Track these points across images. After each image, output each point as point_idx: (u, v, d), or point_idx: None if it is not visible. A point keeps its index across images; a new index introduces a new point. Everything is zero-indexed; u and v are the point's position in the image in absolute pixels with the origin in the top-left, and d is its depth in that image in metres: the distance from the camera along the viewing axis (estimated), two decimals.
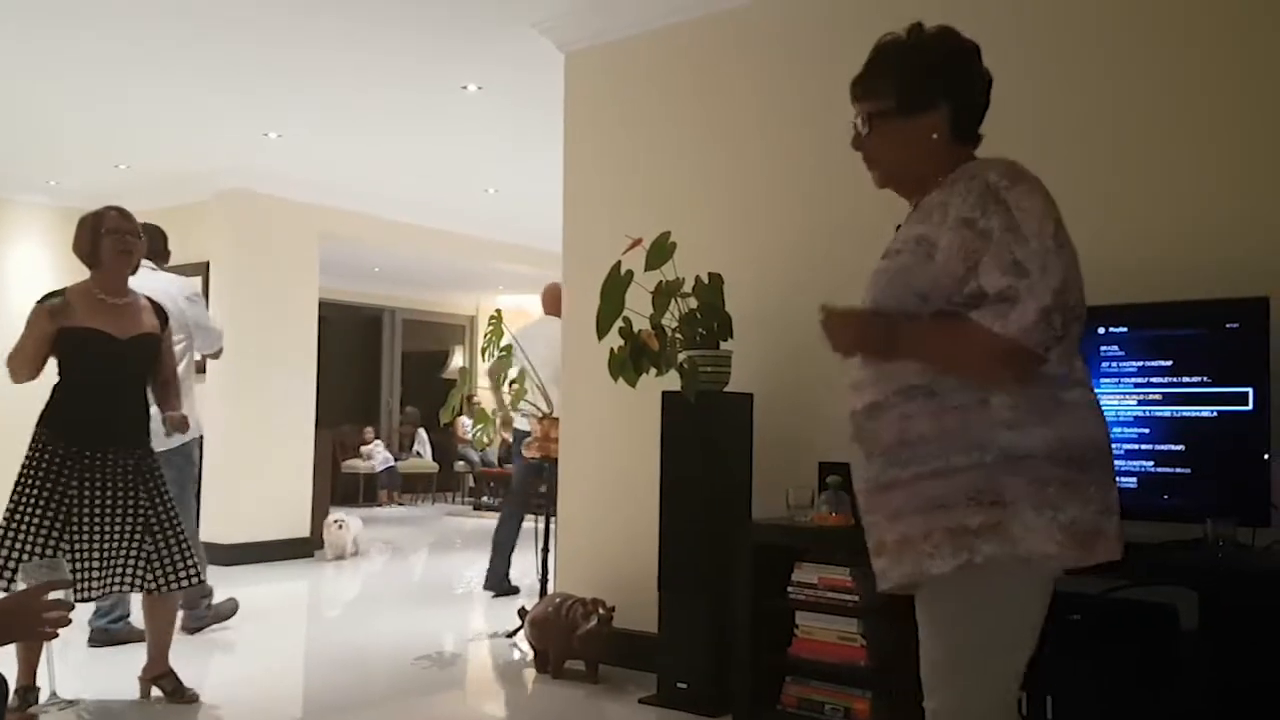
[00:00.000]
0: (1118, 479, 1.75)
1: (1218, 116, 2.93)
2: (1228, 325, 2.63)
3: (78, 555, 3.32)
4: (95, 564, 3.35)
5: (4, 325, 7.31)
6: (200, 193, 7.16)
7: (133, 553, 3.42)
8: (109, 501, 3.38)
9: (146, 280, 4.50)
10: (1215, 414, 2.62)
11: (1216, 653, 2.38)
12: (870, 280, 1.82)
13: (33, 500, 3.30)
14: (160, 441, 3.95)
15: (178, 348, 4.04)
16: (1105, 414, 1.74)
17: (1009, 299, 1.63)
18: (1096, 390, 1.76)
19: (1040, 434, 1.64)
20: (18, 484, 3.32)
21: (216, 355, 5.10)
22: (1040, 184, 1.70)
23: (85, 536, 3.33)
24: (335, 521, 7.14)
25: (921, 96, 1.80)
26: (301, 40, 4.65)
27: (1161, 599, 2.50)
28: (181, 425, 3.56)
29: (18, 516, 3.29)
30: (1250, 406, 2.56)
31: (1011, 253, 1.64)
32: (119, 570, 3.40)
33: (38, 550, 3.25)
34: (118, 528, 3.39)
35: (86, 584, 3.33)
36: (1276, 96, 2.85)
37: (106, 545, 3.37)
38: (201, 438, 4.67)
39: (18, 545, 3.25)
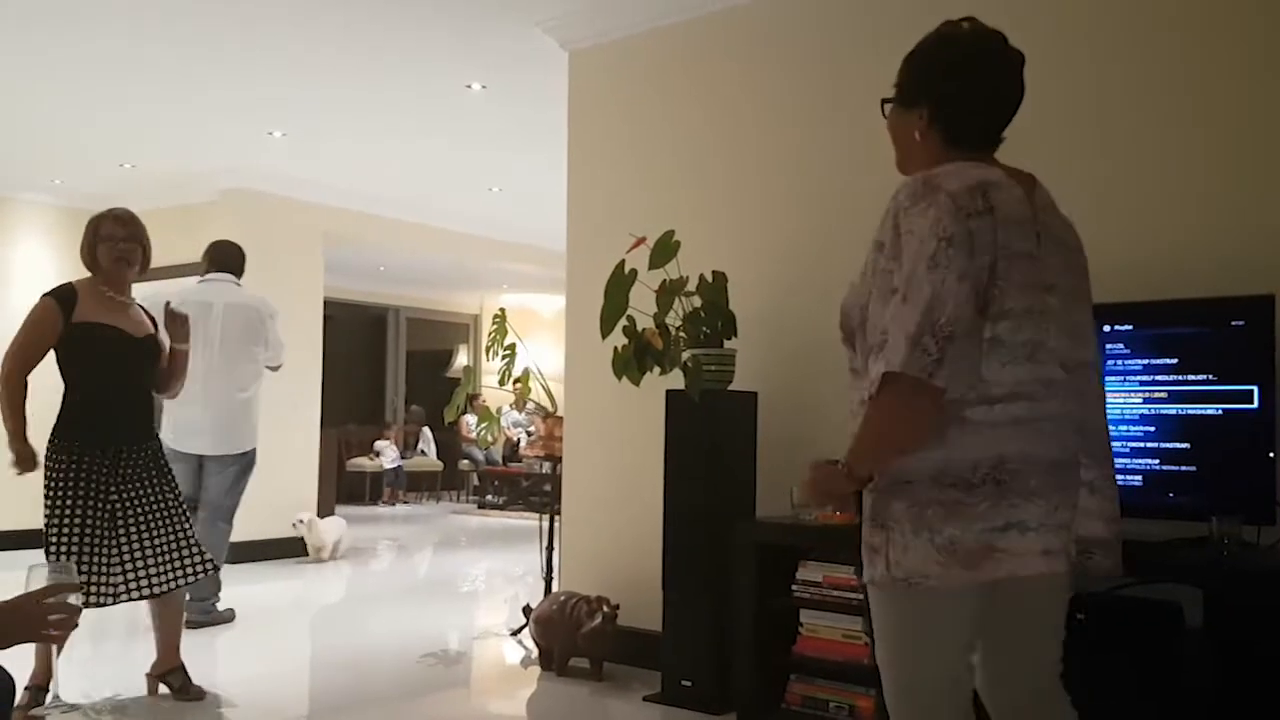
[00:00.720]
0: (1072, 487, 1.73)
1: (1224, 113, 2.93)
2: (1233, 323, 2.63)
3: (106, 558, 3.31)
4: (129, 566, 3.35)
5: (6, 324, 7.37)
6: (205, 192, 7.17)
7: (150, 550, 3.42)
8: (146, 499, 3.41)
9: (232, 295, 4.92)
10: (1220, 412, 2.61)
11: (1221, 651, 2.38)
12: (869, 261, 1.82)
13: (58, 510, 3.28)
14: (229, 445, 4.67)
15: (253, 365, 4.55)
16: (1036, 428, 1.67)
17: (886, 334, 1.65)
18: (1032, 401, 1.68)
19: (929, 458, 1.65)
20: (54, 495, 3.30)
21: (277, 368, 5.28)
22: (943, 202, 1.63)
23: (125, 538, 3.34)
24: (299, 521, 6.74)
25: (908, 93, 1.81)
26: (305, 39, 4.65)
27: (1166, 597, 2.50)
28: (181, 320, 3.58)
29: (62, 531, 3.27)
30: (1255, 405, 2.56)
31: (891, 281, 1.67)
32: (146, 571, 3.40)
33: (64, 554, 3.25)
34: (151, 525, 3.41)
35: (113, 586, 3.32)
36: None
37: (136, 545, 3.38)
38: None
39: (60, 550, 3.25)
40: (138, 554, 3.36)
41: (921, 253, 1.62)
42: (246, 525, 6.74)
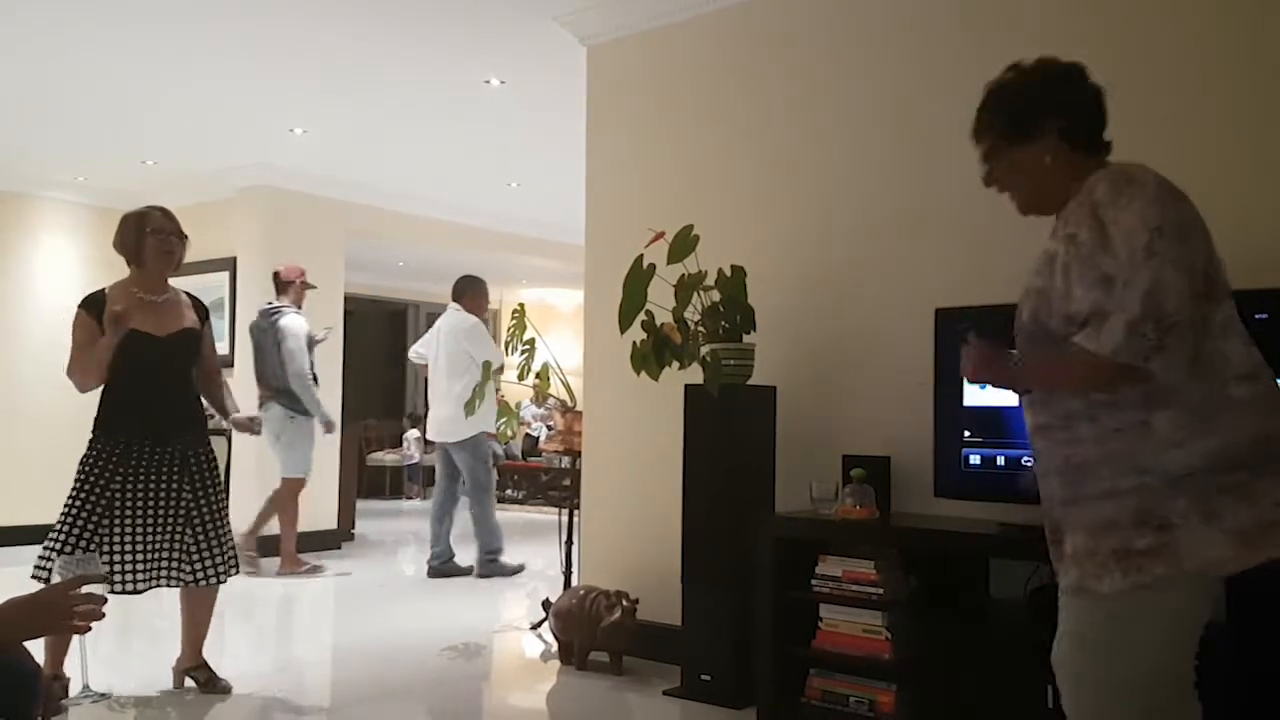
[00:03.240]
0: None
1: (1242, 106, 2.90)
2: (1257, 316, 2.60)
3: (121, 548, 3.36)
4: (141, 557, 3.39)
5: (32, 319, 7.47)
6: (227, 189, 7.22)
7: (177, 545, 3.46)
8: (152, 494, 3.43)
9: (450, 318, 6.05)
10: None
11: (1245, 643, 2.36)
12: (1021, 298, 1.87)
13: (80, 498, 3.35)
14: (456, 433, 5.93)
15: (465, 379, 5.57)
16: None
17: (1102, 315, 1.66)
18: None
19: (1201, 447, 1.65)
20: (73, 486, 3.39)
21: (496, 367, 5.96)
22: (1146, 192, 1.68)
23: (129, 530, 3.38)
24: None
25: (1023, 125, 1.84)
26: (324, 37, 4.68)
27: None
28: (248, 427, 3.81)
29: (67, 517, 3.34)
30: None
31: (1099, 267, 1.67)
32: (163, 564, 3.45)
33: (81, 545, 3.30)
34: (161, 520, 3.43)
35: (132, 577, 3.37)
36: None
37: (151, 538, 3.41)
38: (485, 435, 6.03)
39: (63, 546, 3.30)
40: (128, 548, 3.38)
41: (1134, 241, 1.64)
42: (272, 520, 6.82)
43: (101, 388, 3.47)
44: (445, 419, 6.02)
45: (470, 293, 6.23)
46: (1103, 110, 1.86)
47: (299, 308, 6.22)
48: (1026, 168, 1.86)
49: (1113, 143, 1.87)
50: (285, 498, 6.23)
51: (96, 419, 3.47)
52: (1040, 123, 1.82)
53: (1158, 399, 1.67)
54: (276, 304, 6.18)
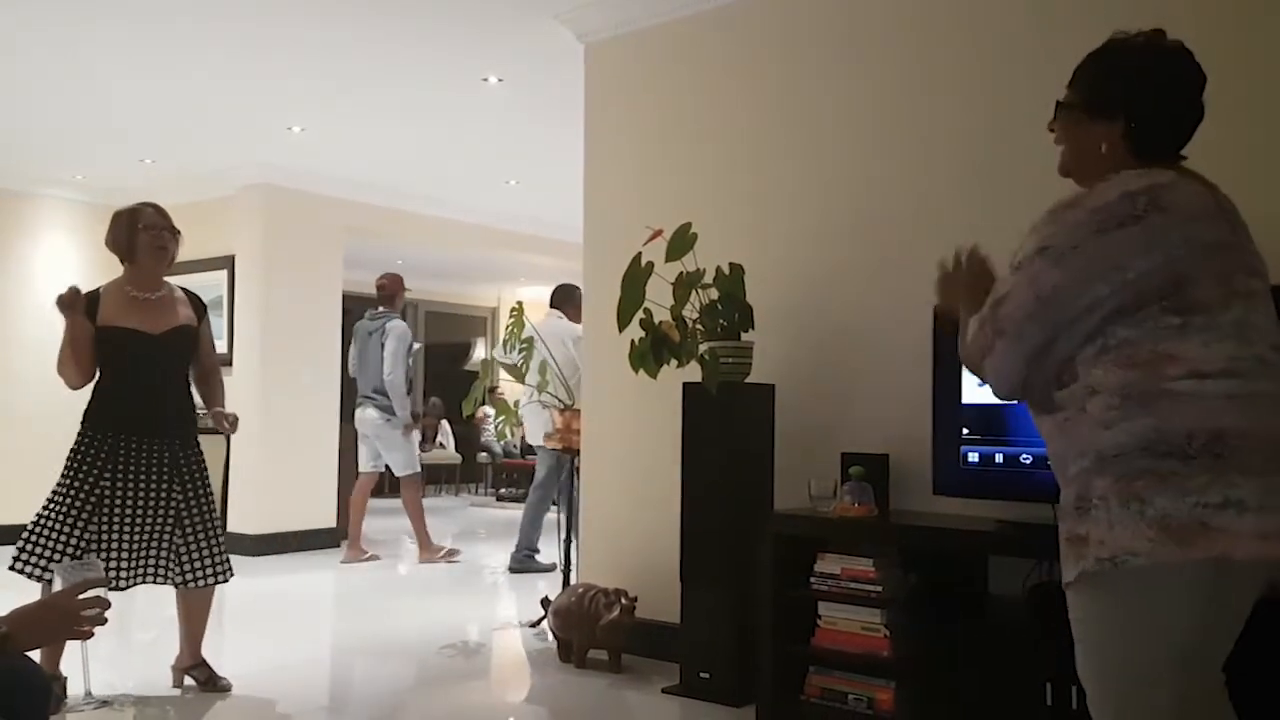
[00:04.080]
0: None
1: (1257, 100, 2.90)
2: None
3: (107, 546, 3.37)
4: (125, 555, 3.39)
5: (31, 318, 7.46)
6: (225, 187, 7.22)
7: (164, 545, 3.46)
8: (140, 493, 3.43)
9: (547, 325, 5.96)
10: None
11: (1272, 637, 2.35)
12: None
13: (66, 494, 3.36)
14: (537, 438, 5.89)
15: (572, 381, 5.14)
16: (1252, 404, 1.60)
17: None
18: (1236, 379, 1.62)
19: (1130, 427, 1.61)
20: (59, 480, 3.40)
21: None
22: (1077, 213, 1.68)
23: (116, 527, 3.38)
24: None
25: (1098, 107, 1.80)
26: (323, 34, 4.67)
27: None
28: (221, 419, 3.68)
29: (50, 509, 3.36)
30: None
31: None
32: (149, 562, 3.45)
33: (72, 544, 3.30)
34: (148, 519, 3.43)
35: (116, 574, 3.37)
36: None
37: (136, 537, 3.42)
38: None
39: (45, 538, 3.32)
40: (124, 545, 3.38)
41: (1025, 248, 1.73)
42: (270, 518, 6.83)
43: (93, 384, 3.47)
44: (529, 423, 6.06)
45: (571, 301, 6.22)
46: (1185, 128, 1.79)
47: (402, 316, 6.75)
48: (1081, 139, 1.84)
49: (1186, 159, 1.80)
50: (410, 497, 6.66)
51: (86, 412, 3.46)
52: (1114, 112, 1.78)
53: (1092, 387, 1.67)
54: (383, 310, 6.66)
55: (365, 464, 6.72)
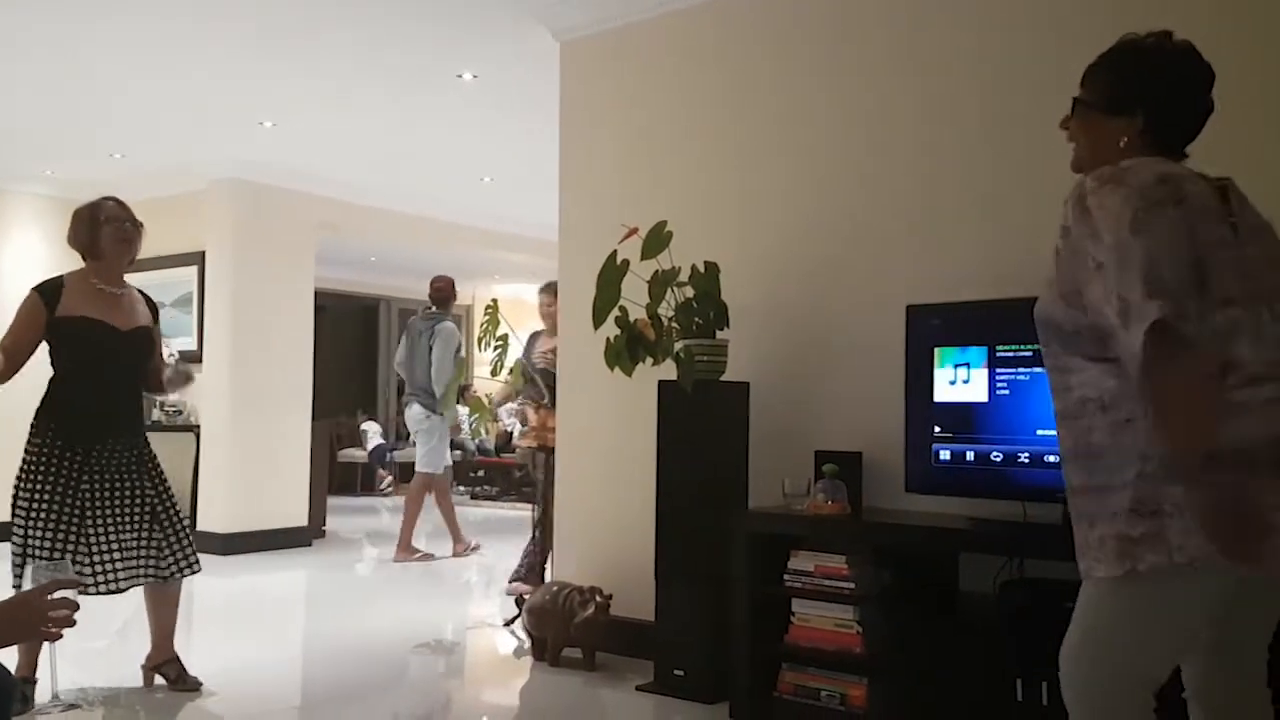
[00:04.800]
0: None
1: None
2: None
3: (98, 547, 3.32)
4: (117, 554, 3.35)
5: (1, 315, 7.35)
6: (196, 182, 7.14)
7: (148, 541, 3.44)
8: (119, 493, 3.40)
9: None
10: None
11: None
12: (1052, 260, 1.81)
13: (45, 500, 3.28)
14: None
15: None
16: None
17: (1119, 309, 1.62)
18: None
19: None
20: (27, 482, 3.31)
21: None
22: (1131, 184, 1.67)
23: (102, 530, 3.34)
24: None
25: (1116, 103, 1.83)
26: (295, 28, 4.63)
27: None
28: (187, 374, 3.73)
29: (33, 517, 3.28)
30: None
31: (1094, 258, 1.66)
32: (140, 561, 3.42)
33: (58, 550, 3.25)
34: (129, 518, 3.40)
35: (114, 576, 3.33)
36: None
37: (124, 536, 3.38)
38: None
39: (34, 545, 3.26)
40: (104, 548, 3.34)
41: (1120, 223, 1.63)
42: (240, 516, 6.78)
43: (50, 378, 3.40)
44: None
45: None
46: (1198, 123, 1.85)
47: (452, 318, 6.87)
48: (1097, 135, 1.86)
49: (1190, 155, 1.84)
50: (415, 494, 6.69)
51: (46, 410, 3.36)
52: (1133, 108, 1.81)
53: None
54: (436, 311, 6.77)
55: (420, 463, 6.73)
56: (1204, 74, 1.84)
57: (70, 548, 3.27)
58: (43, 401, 3.39)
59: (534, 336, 5.52)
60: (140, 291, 3.65)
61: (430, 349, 6.60)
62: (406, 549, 6.62)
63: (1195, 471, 1.58)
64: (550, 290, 5.77)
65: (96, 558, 3.31)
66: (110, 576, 3.32)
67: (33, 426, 3.37)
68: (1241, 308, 1.67)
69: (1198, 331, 1.60)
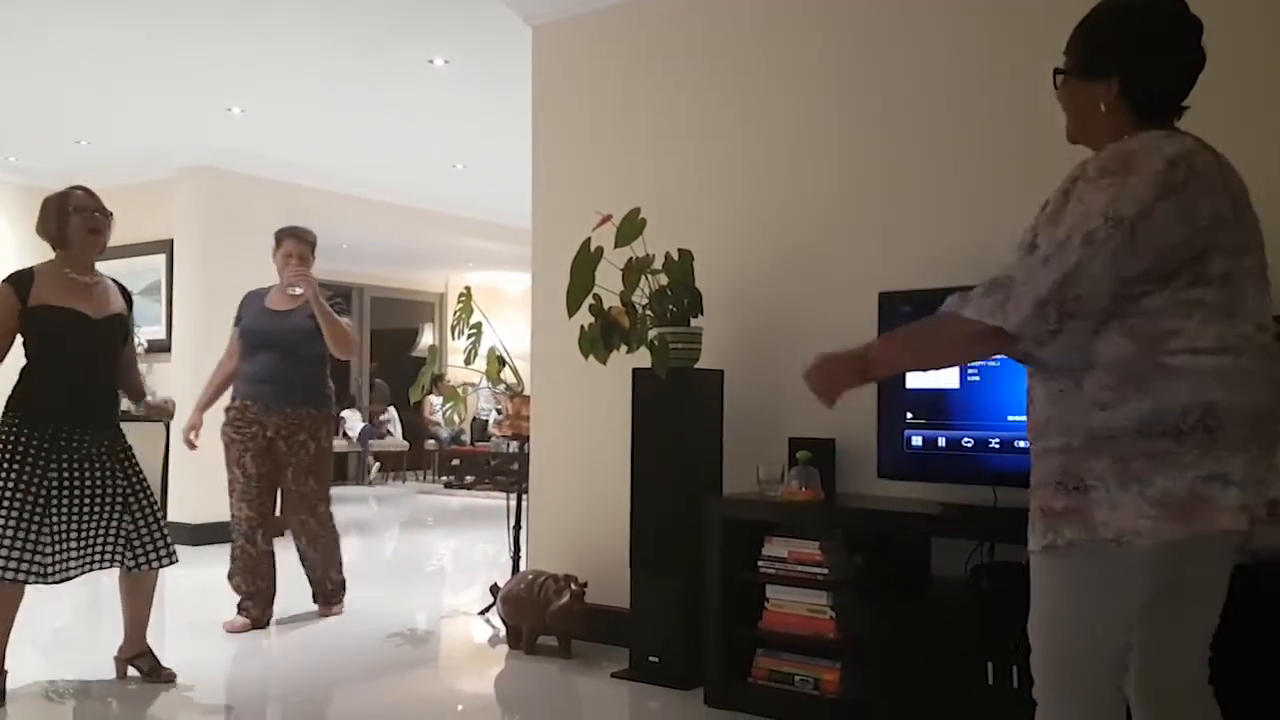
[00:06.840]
0: (1270, 443, 1.64)
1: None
2: None
3: (57, 537, 3.29)
4: (74, 544, 3.33)
5: None
6: (163, 169, 7.05)
7: (111, 532, 3.40)
8: (88, 483, 3.36)
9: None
10: None
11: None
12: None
13: (9, 488, 3.24)
14: None
15: None
16: (1238, 379, 1.62)
17: (999, 285, 1.66)
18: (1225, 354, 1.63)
19: (1128, 410, 1.62)
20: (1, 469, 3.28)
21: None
22: (1134, 177, 1.62)
23: (65, 518, 3.31)
24: None
25: (1091, 66, 1.79)
26: (264, 14, 4.58)
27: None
28: (162, 409, 3.67)
29: (7, 504, 3.24)
30: None
31: (1035, 234, 1.66)
32: (97, 548, 3.39)
33: (19, 538, 3.22)
34: (97, 508, 3.37)
35: (65, 564, 3.31)
36: None
37: (86, 525, 3.35)
38: None
39: (13, 540, 3.21)
40: (63, 537, 3.31)
41: (1083, 225, 1.62)
42: (209, 506, 6.72)
43: (22, 367, 3.37)
44: None
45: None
46: (1184, 79, 1.76)
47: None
48: (1079, 102, 1.82)
49: (1188, 109, 1.78)
50: None
51: (15, 399, 3.34)
52: (1107, 71, 1.76)
53: (1090, 361, 1.66)
54: None
55: None
56: (1182, 26, 1.75)
57: (33, 537, 3.23)
58: (13, 390, 3.36)
59: None
60: (114, 280, 3.61)
61: None
62: None
63: (861, 380, 1.81)
64: None
65: (58, 547, 3.28)
66: (62, 565, 3.30)
67: (3, 417, 3.34)
68: (1219, 285, 1.65)
69: (1060, 346, 1.65)
